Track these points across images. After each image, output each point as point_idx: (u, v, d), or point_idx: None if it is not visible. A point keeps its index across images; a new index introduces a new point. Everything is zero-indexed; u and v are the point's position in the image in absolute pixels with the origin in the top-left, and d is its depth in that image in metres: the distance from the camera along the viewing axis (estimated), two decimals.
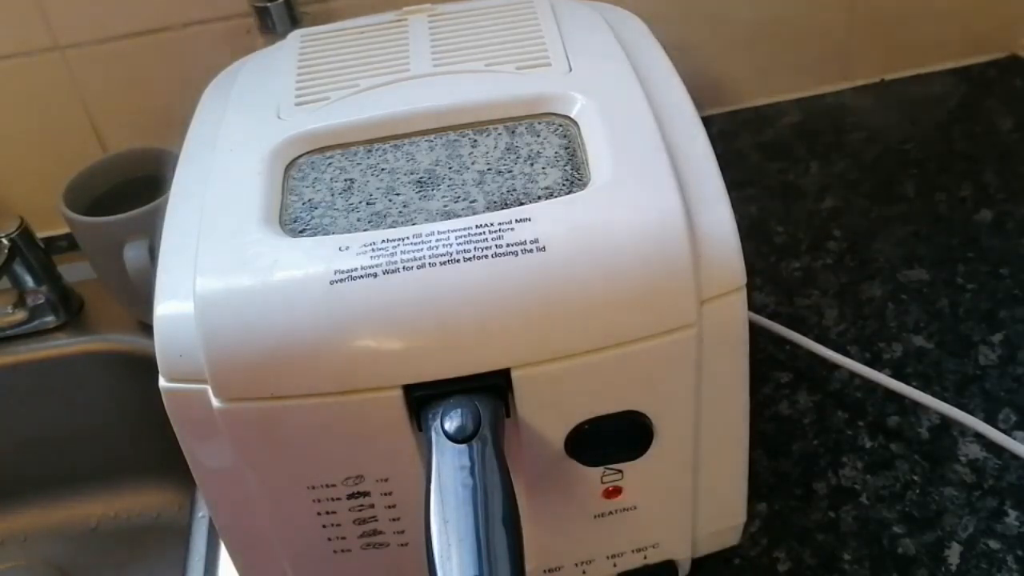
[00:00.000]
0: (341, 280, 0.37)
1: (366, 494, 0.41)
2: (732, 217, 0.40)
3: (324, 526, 0.42)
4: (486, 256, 0.37)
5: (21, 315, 0.70)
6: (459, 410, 0.36)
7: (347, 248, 0.38)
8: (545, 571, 0.46)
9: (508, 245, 0.37)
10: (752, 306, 0.61)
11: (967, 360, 0.60)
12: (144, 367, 0.64)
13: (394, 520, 0.42)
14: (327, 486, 0.40)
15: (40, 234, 0.69)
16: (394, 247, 0.37)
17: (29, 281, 0.69)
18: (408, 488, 0.40)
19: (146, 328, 0.69)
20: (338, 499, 0.40)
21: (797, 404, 0.58)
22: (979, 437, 0.54)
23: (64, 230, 0.76)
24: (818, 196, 0.73)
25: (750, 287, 0.40)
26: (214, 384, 0.37)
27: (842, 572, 0.50)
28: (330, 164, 0.43)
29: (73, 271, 0.72)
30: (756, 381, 0.50)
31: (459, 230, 0.38)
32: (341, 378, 0.37)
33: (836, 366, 0.59)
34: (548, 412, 0.39)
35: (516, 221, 0.38)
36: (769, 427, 0.57)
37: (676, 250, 0.37)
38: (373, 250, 0.37)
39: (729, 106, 0.83)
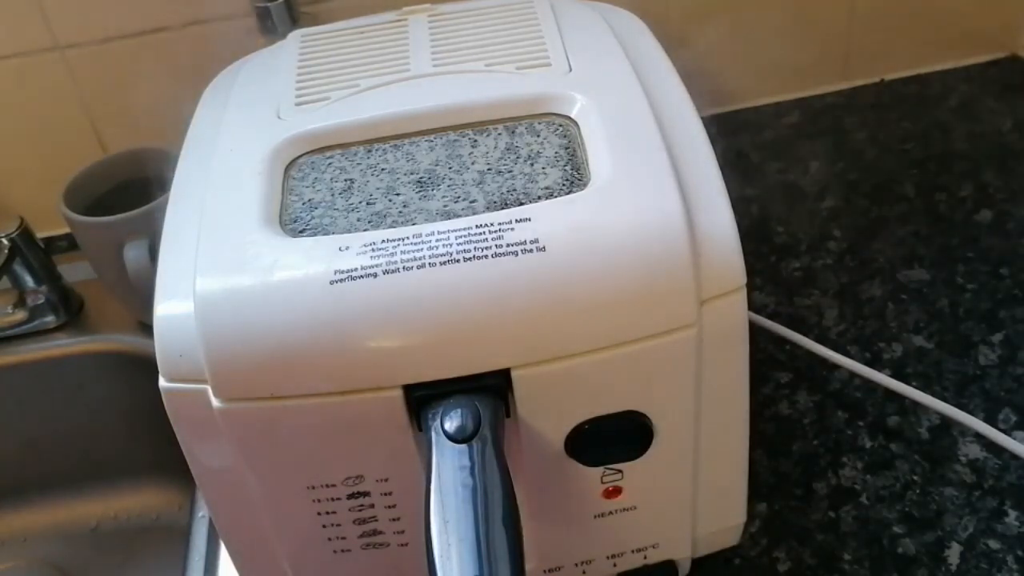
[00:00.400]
0: (341, 280, 0.37)
1: (366, 494, 0.41)
2: (732, 217, 0.40)
3: (324, 526, 0.42)
4: (486, 256, 0.37)
5: (21, 315, 0.70)
6: (459, 410, 0.36)
7: (347, 248, 0.38)
8: (545, 571, 0.46)
9: (508, 245, 0.37)
10: (752, 306, 0.61)
11: (967, 360, 0.60)
12: (144, 367, 0.64)
13: (394, 520, 0.42)
14: (327, 486, 0.40)
15: (40, 234, 0.69)
16: (394, 247, 0.37)
17: (29, 281, 0.69)
18: (408, 488, 0.40)
19: (146, 328, 0.69)
20: (338, 499, 0.40)
21: (797, 404, 0.58)
22: (979, 437, 0.54)
23: (64, 230, 0.76)
24: (818, 196, 0.73)
25: (750, 287, 0.40)
26: (214, 384, 0.37)
27: (842, 572, 0.50)
28: (330, 164, 0.43)
29: (73, 271, 0.72)
30: (756, 381, 0.50)
31: (459, 230, 0.38)
32: (341, 378, 0.37)
33: (836, 366, 0.59)
34: (548, 412, 0.39)
35: (516, 221, 0.38)
36: (769, 427, 0.57)
37: (676, 250, 0.37)
38: (373, 250, 0.37)
39: (729, 106, 0.83)
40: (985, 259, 0.66)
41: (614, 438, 0.40)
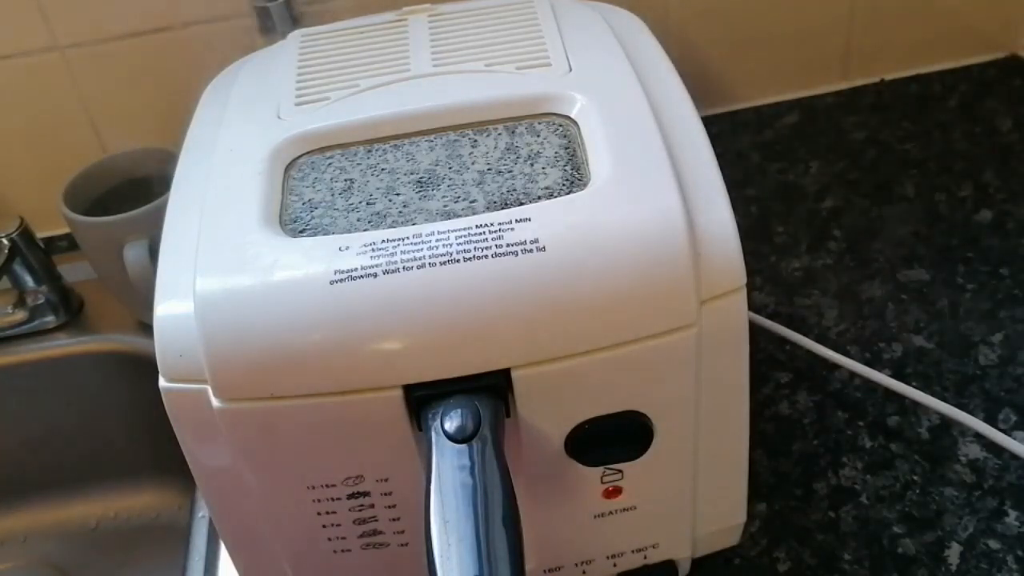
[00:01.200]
0: (341, 280, 0.37)
1: (366, 494, 0.41)
2: (732, 217, 0.40)
3: (324, 526, 0.42)
4: (486, 256, 0.37)
5: (21, 315, 0.70)
6: (459, 410, 0.36)
7: (347, 248, 0.38)
8: (545, 571, 0.46)
9: (508, 245, 0.37)
10: (752, 306, 0.61)
11: (967, 360, 0.60)
12: (144, 367, 0.64)
13: (394, 520, 0.42)
14: (327, 486, 0.40)
15: (40, 234, 0.69)
16: (394, 247, 0.37)
17: (29, 281, 0.69)
18: (408, 488, 0.40)
19: (146, 328, 0.69)
20: (338, 499, 0.40)
21: (797, 404, 0.58)
22: (979, 437, 0.54)
23: (64, 230, 0.76)
24: (818, 196, 0.73)
25: (750, 287, 0.40)
26: (214, 384, 0.37)
27: (842, 572, 0.50)
28: (330, 164, 0.43)
29: (73, 271, 0.72)
30: (756, 381, 0.50)
31: (459, 230, 0.38)
32: (341, 378, 0.37)
33: (836, 366, 0.59)
34: (548, 412, 0.39)
35: (516, 221, 0.38)
36: (769, 427, 0.57)
37: (676, 250, 0.37)
38: (373, 250, 0.37)
39: (729, 106, 0.83)
40: (985, 259, 0.66)
41: (614, 438, 0.40)
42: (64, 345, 0.71)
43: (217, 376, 0.37)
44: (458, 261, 0.37)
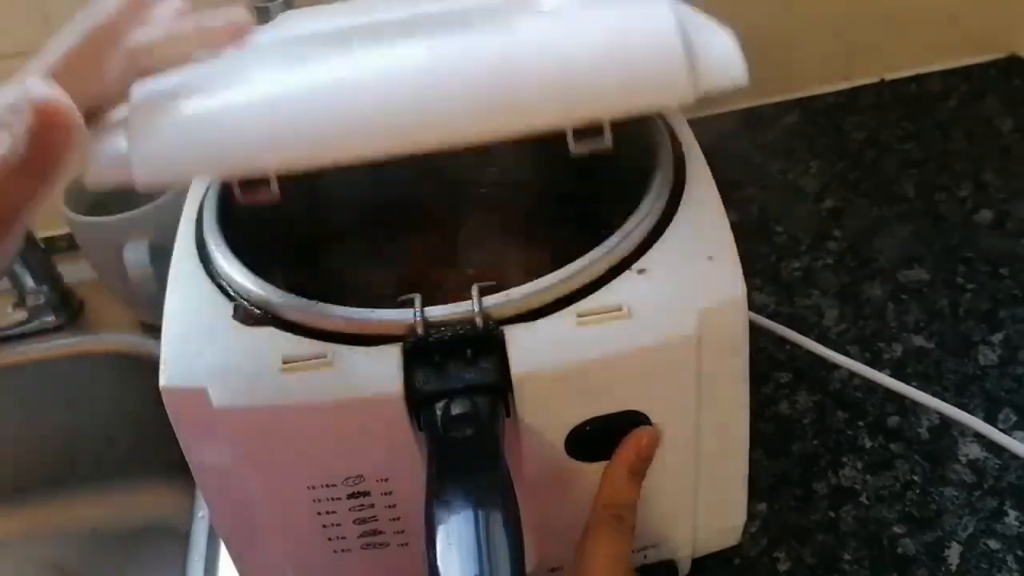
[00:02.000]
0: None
1: (366, 494, 0.41)
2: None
3: (324, 526, 0.42)
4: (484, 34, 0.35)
5: (21, 315, 0.70)
6: (459, 410, 0.36)
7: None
8: (546, 571, 0.46)
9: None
10: (752, 306, 0.61)
11: (967, 360, 0.60)
12: (144, 367, 0.64)
13: (394, 520, 0.42)
14: (327, 486, 0.40)
15: (40, 234, 0.69)
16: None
17: (29, 281, 0.69)
18: (408, 488, 0.40)
19: (146, 328, 0.69)
20: (338, 499, 0.40)
21: (797, 404, 0.58)
22: (979, 437, 0.54)
23: (64, 230, 0.76)
24: (818, 196, 0.73)
25: (750, 287, 0.40)
26: (134, 167, 0.35)
27: (842, 572, 0.50)
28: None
29: (73, 271, 0.72)
30: (756, 381, 0.50)
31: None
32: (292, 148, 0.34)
33: (836, 366, 0.59)
34: (548, 412, 0.39)
35: None
36: (769, 427, 0.57)
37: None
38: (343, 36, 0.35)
39: (729, 106, 0.83)
40: (985, 259, 0.66)
41: (614, 438, 0.40)
42: (64, 345, 0.71)
43: (138, 156, 0.35)
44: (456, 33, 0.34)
